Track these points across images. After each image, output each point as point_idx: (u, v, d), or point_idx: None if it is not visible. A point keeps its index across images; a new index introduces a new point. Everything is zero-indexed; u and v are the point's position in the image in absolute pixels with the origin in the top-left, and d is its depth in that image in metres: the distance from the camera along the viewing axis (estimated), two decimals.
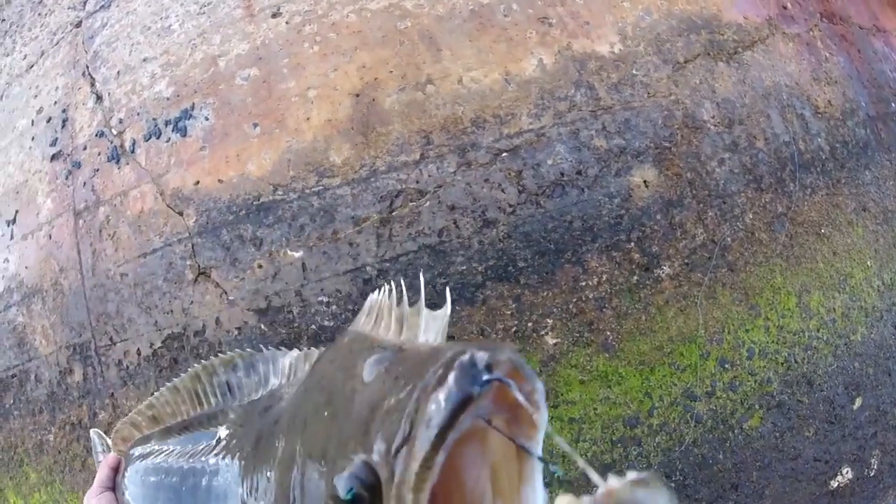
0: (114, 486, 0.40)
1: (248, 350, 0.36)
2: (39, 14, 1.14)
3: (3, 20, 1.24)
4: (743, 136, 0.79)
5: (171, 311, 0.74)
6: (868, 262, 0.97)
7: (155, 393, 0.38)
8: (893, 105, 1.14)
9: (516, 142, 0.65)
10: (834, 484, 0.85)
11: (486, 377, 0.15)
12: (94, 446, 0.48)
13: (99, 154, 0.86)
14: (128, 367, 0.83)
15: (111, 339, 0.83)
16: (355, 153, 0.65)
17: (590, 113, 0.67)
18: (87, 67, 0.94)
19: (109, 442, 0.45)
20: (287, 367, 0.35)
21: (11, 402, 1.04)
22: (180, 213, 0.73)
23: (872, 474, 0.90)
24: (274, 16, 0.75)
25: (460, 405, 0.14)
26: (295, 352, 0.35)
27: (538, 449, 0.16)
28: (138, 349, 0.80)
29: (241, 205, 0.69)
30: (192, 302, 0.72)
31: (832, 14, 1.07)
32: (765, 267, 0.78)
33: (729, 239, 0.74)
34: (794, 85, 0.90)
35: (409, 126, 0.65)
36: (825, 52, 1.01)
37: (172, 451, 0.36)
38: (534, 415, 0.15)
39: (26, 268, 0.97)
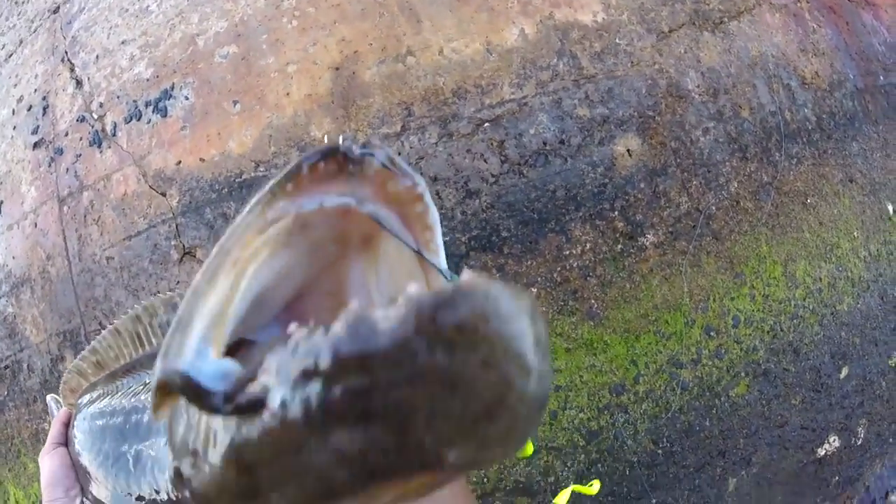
0: (66, 441, 0.40)
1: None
2: (16, 2, 1.12)
3: None
4: (728, 105, 0.79)
5: (158, 291, 0.73)
6: (855, 233, 0.97)
7: (96, 338, 0.38)
8: (882, 78, 1.14)
9: (498, 112, 0.65)
10: (821, 452, 0.87)
11: (359, 150, 0.14)
12: (51, 412, 0.47)
13: (80, 139, 0.85)
14: None
15: (100, 323, 0.83)
16: (336, 127, 0.65)
17: (572, 82, 0.67)
18: (66, 53, 0.92)
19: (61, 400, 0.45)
20: None
21: (6, 393, 1.04)
22: (163, 194, 0.73)
23: (859, 443, 0.91)
24: None
25: (331, 150, 0.14)
26: None
27: (439, 258, 0.15)
28: None
29: (224, 183, 0.69)
30: (178, 282, 0.72)
31: None
32: (750, 236, 0.79)
33: (714, 207, 0.75)
34: (781, 55, 0.89)
35: (390, 98, 0.64)
36: (812, 23, 1.00)
37: (116, 393, 0.36)
38: (423, 213, 0.15)
39: (13, 258, 0.96)
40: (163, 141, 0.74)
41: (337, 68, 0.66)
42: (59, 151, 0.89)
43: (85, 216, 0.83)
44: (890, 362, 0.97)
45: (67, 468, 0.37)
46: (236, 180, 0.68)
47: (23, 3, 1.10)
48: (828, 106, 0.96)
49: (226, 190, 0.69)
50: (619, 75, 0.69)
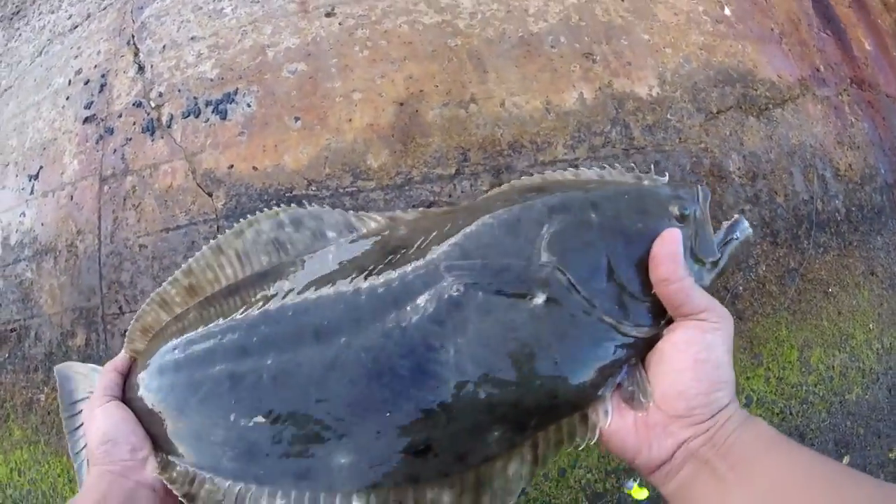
0: (122, 393, 0.34)
1: (291, 205, 0.34)
2: None
3: None
4: (765, 190, 0.81)
5: None
6: (870, 325, 0.99)
7: (189, 260, 0.33)
8: None
9: (549, 169, 0.67)
10: None
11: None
12: (67, 383, 0.38)
13: (134, 123, 0.87)
14: None
15: (120, 307, 0.83)
16: (393, 160, 0.66)
17: (622, 150, 0.69)
18: (133, 37, 0.95)
19: (89, 368, 0.38)
20: (342, 222, 0.33)
21: (6, 356, 1.03)
22: (210, 194, 0.74)
23: None
24: (328, 15, 0.77)
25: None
26: (336, 210, 0.34)
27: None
28: None
29: (273, 195, 0.70)
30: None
31: (862, 80, 1.10)
32: (772, 318, 0.80)
33: (741, 287, 0.76)
34: (819, 146, 0.92)
35: (449, 141, 0.66)
36: (851, 116, 1.04)
37: (221, 315, 0.31)
38: None
39: (42, 224, 0.97)
40: (218, 142, 0.76)
41: (401, 103, 0.68)
42: (110, 131, 0.90)
43: (125, 199, 0.84)
44: (890, 454, 0.97)
45: (132, 423, 0.32)
46: (286, 194, 0.70)
47: None
48: (858, 199, 0.99)
49: (274, 202, 0.70)
50: (667, 150, 0.71)
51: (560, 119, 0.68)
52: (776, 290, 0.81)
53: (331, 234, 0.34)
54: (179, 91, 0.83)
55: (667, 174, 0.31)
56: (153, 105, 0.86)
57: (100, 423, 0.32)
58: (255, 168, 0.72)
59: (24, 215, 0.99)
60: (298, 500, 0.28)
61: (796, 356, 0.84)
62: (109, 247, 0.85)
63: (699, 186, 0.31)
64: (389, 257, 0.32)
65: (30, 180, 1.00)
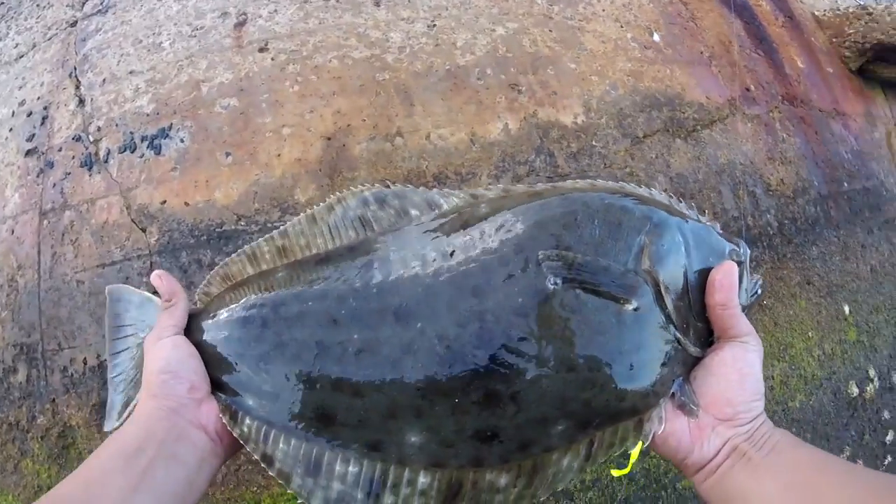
0: (186, 330, 0.33)
1: (375, 185, 0.35)
2: (38, 5, 1.15)
3: (2, 3, 1.25)
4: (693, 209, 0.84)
5: None
6: (809, 333, 1.02)
7: (286, 224, 0.34)
8: (846, 185, 1.23)
9: None
10: None
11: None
12: (116, 304, 0.35)
13: (73, 158, 0.87)
14: (72, 374, 0.82)
15: (59, 344, 0.82)
16: (320, 194, 0.68)
17: (546, 178, 0.71)
18: (76, 69, 0.95)
19: (144, 296, 0.36)
20: (422, 200, 0.34)
21: None
22: (143, 230, 0.74)
23: None
24: (261, 50, 0.78)
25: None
26: (420, 188, 0.35)
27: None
28: (85, 358, 0.80)
29: (204, 230, 0.71)
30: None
31: (794, 97, 1.16)
32: None
33: None
34: (749, 163, 0.96)
35: (375, 174, 0.68)
36: (783, 132, 1.09)
37: (319, 281, 0.31)
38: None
39: None
40: (152, 178, 0.76)
41: (329, 138, 0.70)
42: (50, 165, 0.90)
43: (63, 235, 0.84)
44: (842, 456, 1.00)
45: (197, 362, 0.31)
46: (216, 230, 0.70)
47: (44, 7, 1.14)
48: (790, 212, 1.03)
49: (204, 237, 0.70)
50: (591, 175, 0.74)
51: (485, 150, 0.70)
52: None
53: (414, 213, 0.34)
54: (117, 126, 0.83)
55: (717, 223, 0.35)
56: (92, 139, 0.85)
57: (166, 353, 0.31)
58: (186, 203, 0.72)
59: None
60: (370, 468, 0.29)
61: None
62: (48, 282, 0.84)
63: (744, 243, 0.35)
64: (469, 237, 0.31)
65: None
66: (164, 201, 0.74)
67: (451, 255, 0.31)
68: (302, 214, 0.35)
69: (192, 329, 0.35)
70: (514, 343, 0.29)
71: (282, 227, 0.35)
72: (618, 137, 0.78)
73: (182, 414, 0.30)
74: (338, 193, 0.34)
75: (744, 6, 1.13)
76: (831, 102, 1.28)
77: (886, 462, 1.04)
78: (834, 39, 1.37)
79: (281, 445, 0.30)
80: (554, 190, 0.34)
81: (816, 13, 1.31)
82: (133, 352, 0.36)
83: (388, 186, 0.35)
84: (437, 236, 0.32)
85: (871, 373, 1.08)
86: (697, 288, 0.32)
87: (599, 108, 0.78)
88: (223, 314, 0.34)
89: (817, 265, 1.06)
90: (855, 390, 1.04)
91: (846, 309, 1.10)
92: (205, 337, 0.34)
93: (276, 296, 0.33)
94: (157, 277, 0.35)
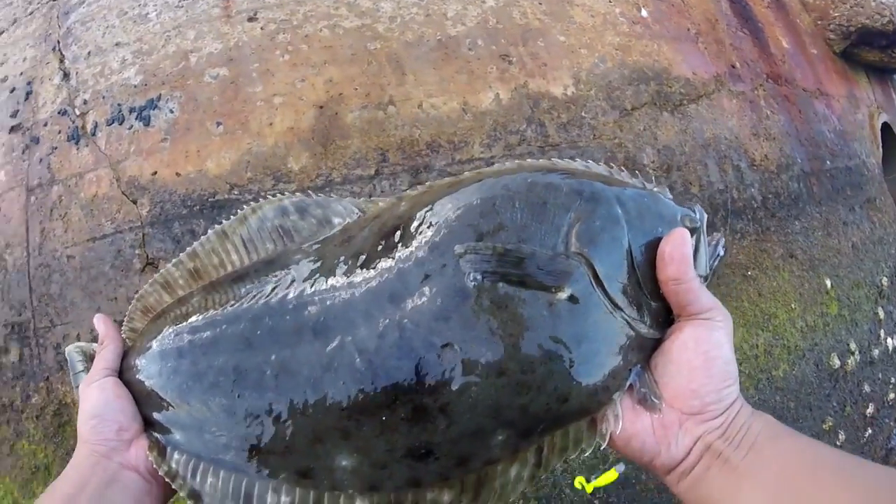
0: (120, 371, 0.33)
1: (295, 193, 0.33)
2: None
3: None
4: (679, 181, 0.87)
5: (116, 298, 0.74)
6: (792, 305, 1.06)
7: (194, 244, 0.32)
8: (829, 162, 1.26)
9: (467, 168, 0.70)
10: None
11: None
12: (73, 365, 0.37)
13: (59, 132, 0.85)
14: None
15: (51, 321, 0.82)
16: (313, 162, 0.68)
17: (538, 148, 0.73)
18: (59, 43, 0.93)
19: (93, 347, 0.36)
20: (345, 209, 0.32)
21: None
22: (134, 202, 0.74)
23: None
24: (250, 20, 0.77)
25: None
26: (344, 198, 0.33)
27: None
28: (78, 334, 0.79)
29: (196, 200, 0.70)
30: (137, 291, 0.72)
31: (778, 76, 1.18)
32: None
33: None
34: (734, 138, 0.99)
35: (368, 142, 0.68)
36: (767, 109, 1.11)
37: (227, 303, 0.30)
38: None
39: None
40: (141, 149, 0.75)
41: (321, 107, 0.70)
42: (36, 140, 0.88)
43: (51, 210, 0.83)
44: (824, 426, 1.05)
45: (123, 401, 0.31)
46: (209, 199, 0.70)
47: None
48: (774, 187, 1.06)
49: (197, 207, 0.70)
50: (581, 146, 0.75)
51: (477, 119, 0.71)
52: None
53: (337, 221, 0.32)
54: (104, 98, 0.82)
55: (666, 188, 0.31)
56: (78, 113, 0.84)
57: (94, 396, 0.31)
58: (178, 174, 0.72)
59: None
60: (303, 497, 0.27)
61: None
62: (38, 259, 0.83)
63: (699, 206, 0.31)
64: (385, 241, 0.29)
65: None
66: (155, 172, 0.73)
67: (367, 260, 0.29)
68: (211, 230, 0.33)
69: (123, 368, 0.34)
70: (438, 350, 0.26)
71: (190, 248, 0.33)
72: (606, 109, 0.79)
73: (112, 457, 0.29)
74: (252, 203, 0.32)
75: None
76: (815, 83, 1.31)
77: (867, 434, 1.08)
78: (819, 22, 1.39)
79: (210, 479, 0.29)
80: (475, 176, 0.30)
81: None
82: None
83: (308, 195, 0.33)
84: (354, 242, 0.30)
85: (853, 346, 1.12)
86: (647, 262, 0.27)
87: (589, 81, 0.79)
88: (145, 350, 0.33)
89: (800, 239, 1.10)
90: (837, 362, 1.08)
91: (828, 283, 1.14)
92: (134, 375, 0.33)
93: (190, 323, 0.31)
94: (96, 320, 0.35)
